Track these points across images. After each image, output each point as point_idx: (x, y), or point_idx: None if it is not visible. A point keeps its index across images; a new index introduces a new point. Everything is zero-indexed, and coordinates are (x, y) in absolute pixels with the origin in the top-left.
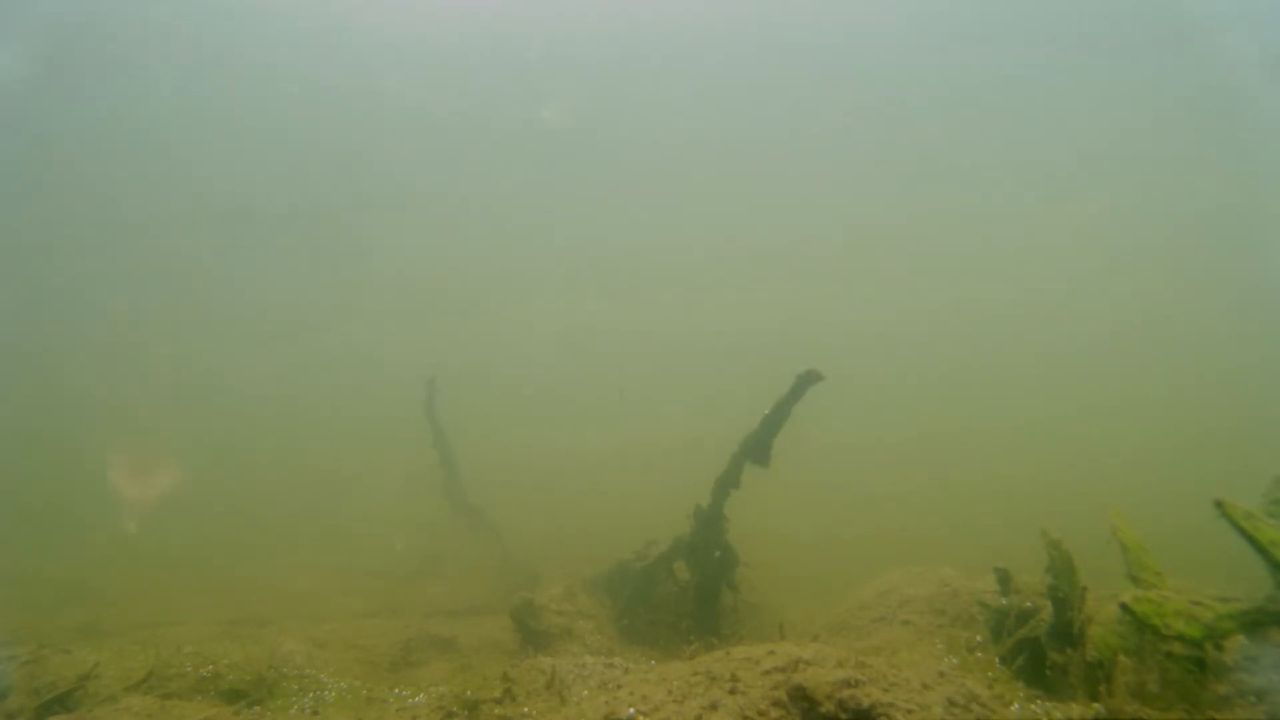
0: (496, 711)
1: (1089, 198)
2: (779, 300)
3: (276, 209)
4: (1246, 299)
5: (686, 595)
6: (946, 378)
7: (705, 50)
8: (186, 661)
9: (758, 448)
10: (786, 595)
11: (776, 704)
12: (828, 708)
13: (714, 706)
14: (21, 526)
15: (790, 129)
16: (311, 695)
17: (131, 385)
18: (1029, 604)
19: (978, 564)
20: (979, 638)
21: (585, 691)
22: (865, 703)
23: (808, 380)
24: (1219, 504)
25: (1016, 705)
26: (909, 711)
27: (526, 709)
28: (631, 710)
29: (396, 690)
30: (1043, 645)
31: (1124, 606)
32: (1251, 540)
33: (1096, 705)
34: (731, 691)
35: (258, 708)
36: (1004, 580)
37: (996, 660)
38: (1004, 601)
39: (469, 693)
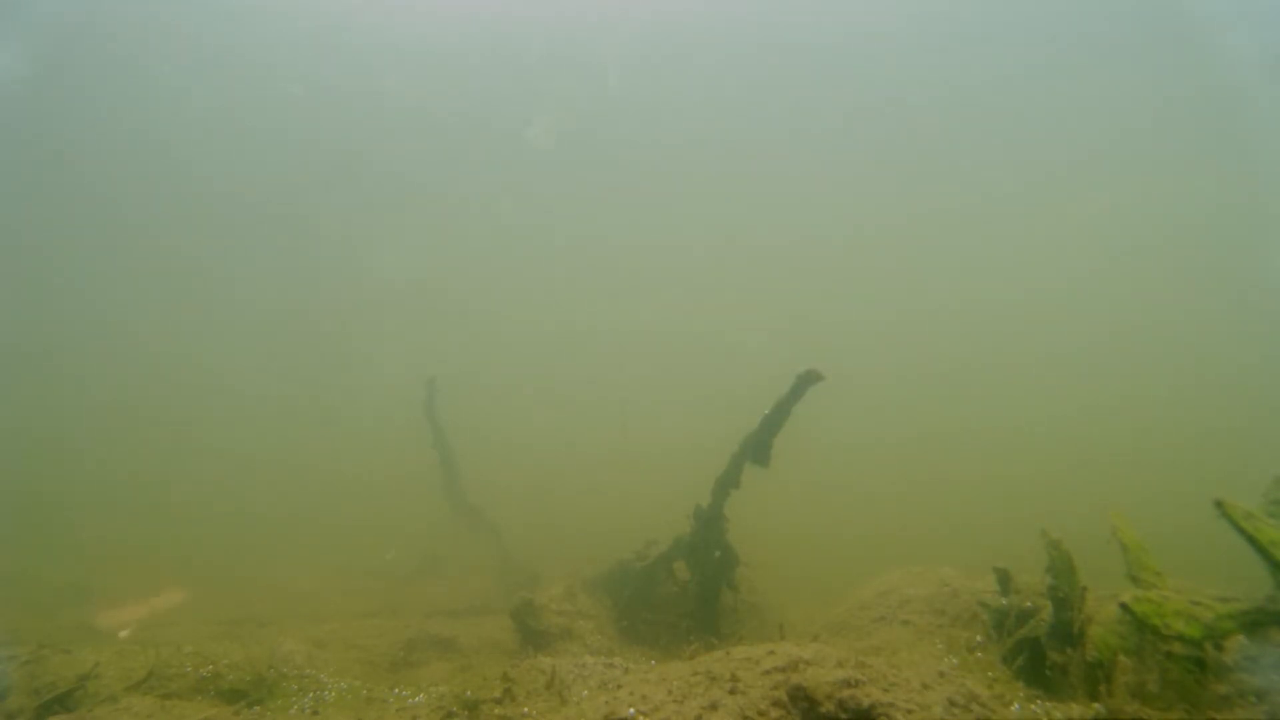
0: (496, 711)
1: (1089, 198)
2: (779, 300)
3: (276, 209)
4: (1246, 299)
5: (686, 595)
6: (946, 377)
7: (705, 50)
8: (186, 661)
9: (758, 448)
10: (786, 595)
11: (776, 704)
12: (828, 708)
13: (714, 706)
14: (21, 526)
15: (790, 129)
16: (311, 695)
17: (131, 385)
18: (1029, 604)
19: (978, 564)
20: (979, 638)
21: (585, 691)
22: (865, 703)
23: (808, 380)
24: (1219, 504)
25: (1016, 705)
26: (909, 711)
27: (526, 709)
28: (631, 710)
29: (396, 690)
30: (1043, 645)
31: (1124, 606)
32: (1251, 540)
33: (1096, 705)
34: (731, 691)
35: (258, 708)
36: (1004, 580)
37: (997, 660)
38: (1004, 601)
39: (469, 693)
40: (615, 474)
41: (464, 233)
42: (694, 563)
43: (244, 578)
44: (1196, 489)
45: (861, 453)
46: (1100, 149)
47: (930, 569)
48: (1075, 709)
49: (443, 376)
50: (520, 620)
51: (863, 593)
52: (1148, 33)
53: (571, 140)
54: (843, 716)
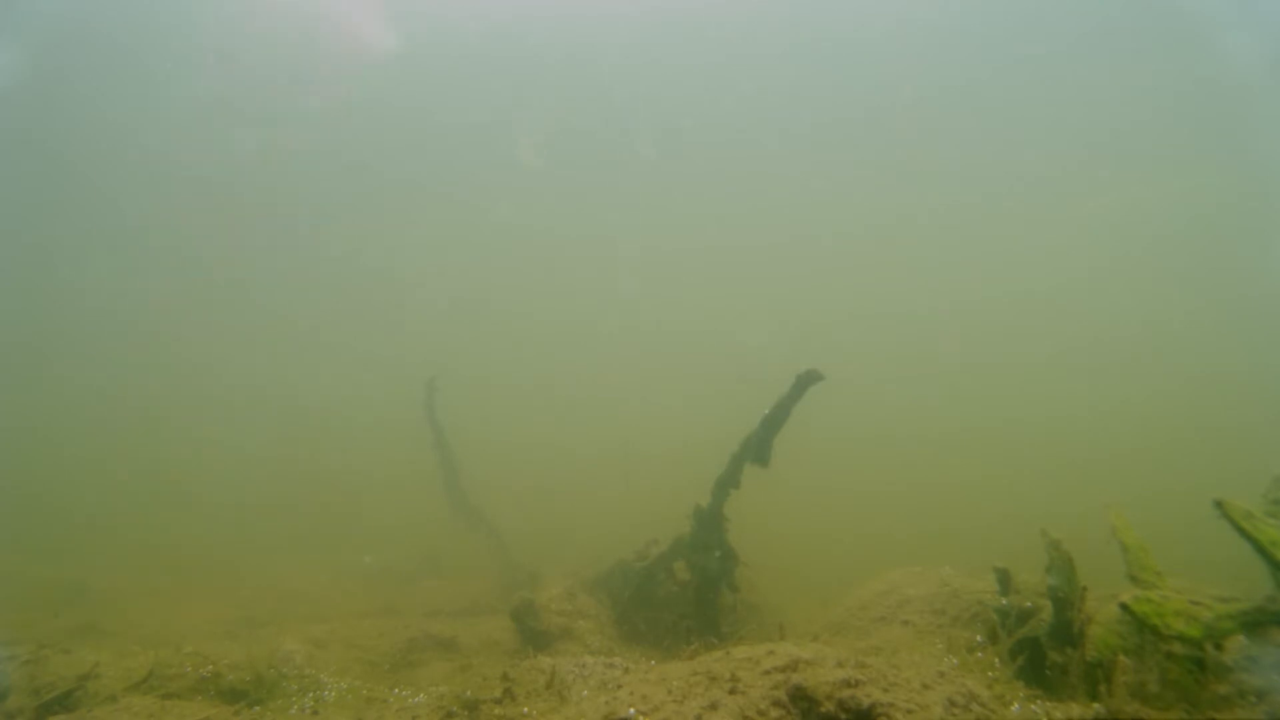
0: (496, 711)
1: (1090, 197)
2: (779, 301)
3: (276, 208)
4: (1248, 298)
5: (686, 595)
6: (947, 377)
7: (704, 50)
8: (186, 661)
9: (758, 447)
10: (786, 595)
11: (776, 704)
12: (828, 708)
13: (714, 706)
14: (21, 526)
15: (790, 128)
16: (311, 695)
17: (131, 385)
18: (1029, 604)
19: (978, 564)
20: (979, 638)
21: (585, 691)
22: (865, 703)
23: (808, 380)
24: (1219, 504)
25: (1016, 705)
26: (909, 711)
27: (526, 709)
28: (631, 710)
29: (396, 690)
30: (1043, 645)
31: (1124, 606)
32: (1251, 540)
33: (1096, 705)
34: (731, 691)
35: (258, 708)
36: (1004, 580)
37: (996, 660)
38: (1004, 601)
39: (469, 693)
40: (615, 474)
41: (464, 232)
42: (694, 563)
43: (244, 577)
44: (1196, 489)
45: (862, 453)
46: (1101, 147)
47: (930, 569)
48: (1075, 709)
49: (442, 376)
50: (520, 620)
51: (863, 593)
52: (1149, 32)
53: (570, 139)
54: (843, 716)
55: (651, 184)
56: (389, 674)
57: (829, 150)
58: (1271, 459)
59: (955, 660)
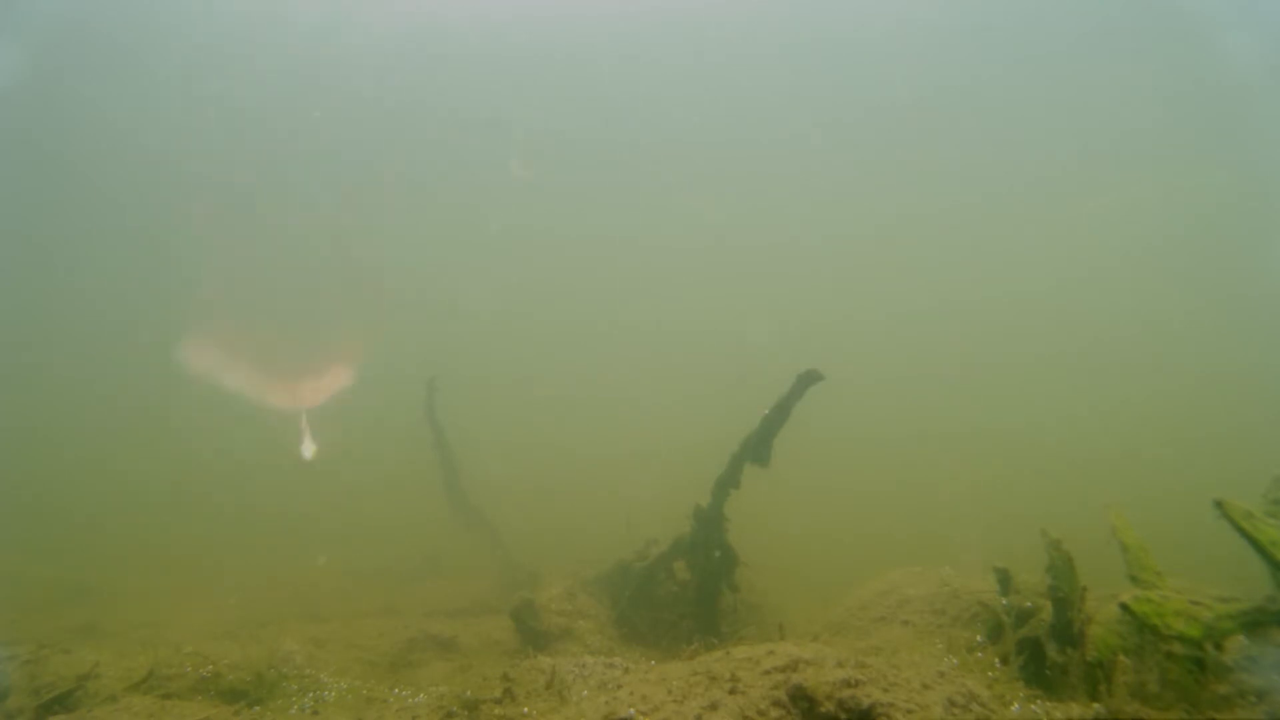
0: (496, 711)
1: (1090, 197)
2: (778, 301)
3: (276, 208)
4: (1249, 298)
5: (686, 595)
6: (947, 377)
7: (703, 50)
8: (186, 661)
9: (758, 447)
10: (786, 595)
11: (776, 704)
12: (828, 708)
13: (714, 706)
14: (21, 526)
15: (789, 128)
16: (311, 695)
17: (132, 385)
18: (1029, 604)
19: (978, 564)
20: (979, 638)
21: (585, 691)
22: (865, 703)
23: (808, 380)
24: (1219, 504)
25: (1016, 705)
26: (909, 711)
27: (526, 709)
28: (631, 710)
29: (396, 690)
30: (1043, 645)
31: (1124, 606)
32: (1251, 540)
33: (1096, 705)
34: (731, 691)
35: (258, 708)
36: (1004, 580)
37: (996, 660)
38: (1004, 601)
39: (469, 693)
40: (615, 474)
41: (464, 232)
42: (694, 563)
43: (244, 577)
44: (1196, 489)
45: (862, 453)
46: (1102, 148)
47: (930, 569)
48: (1075, 709)
49: (442, 377)
50: (520, 620)
51: (863, 593)
52: (1150, 31)
53: (568, 139)
54: (843, 716)
55: (652, 184)
56: (389, 674)
57: (829, 150)
58: (1271, 459)
59: (955, 660)
